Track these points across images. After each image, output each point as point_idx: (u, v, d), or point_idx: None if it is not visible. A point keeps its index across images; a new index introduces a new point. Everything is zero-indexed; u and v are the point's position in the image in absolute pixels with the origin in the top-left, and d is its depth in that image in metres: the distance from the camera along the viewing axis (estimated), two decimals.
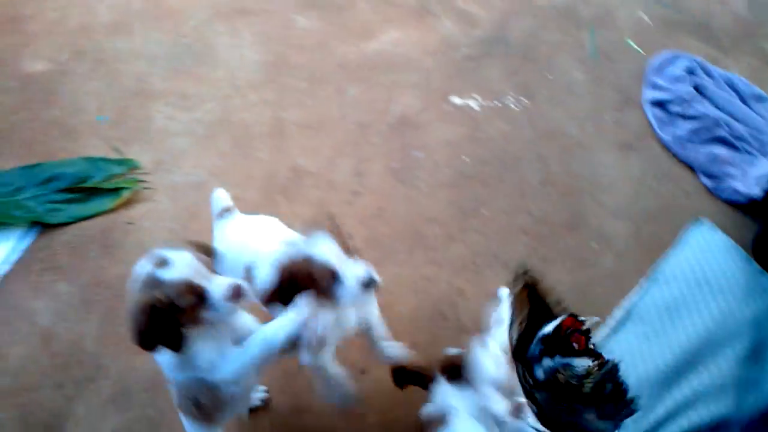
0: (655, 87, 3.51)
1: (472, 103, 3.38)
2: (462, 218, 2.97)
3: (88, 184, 2.95)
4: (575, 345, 1.67)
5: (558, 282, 2.78)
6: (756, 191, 3.04)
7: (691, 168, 3.24)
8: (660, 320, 2.54)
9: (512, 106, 3.39)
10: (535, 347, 1.71)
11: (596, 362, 1.66)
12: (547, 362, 1.68)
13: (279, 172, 3.06)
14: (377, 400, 2.47)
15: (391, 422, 2.43)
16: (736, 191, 3.09)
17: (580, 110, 3.40)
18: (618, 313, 2.63)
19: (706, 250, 2.71)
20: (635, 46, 3.74)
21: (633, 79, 3.58)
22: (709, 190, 3.16)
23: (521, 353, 1.73)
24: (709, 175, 3.20)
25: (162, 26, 3.63)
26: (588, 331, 1.70)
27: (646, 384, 2.34)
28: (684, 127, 3.32)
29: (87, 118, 3.22)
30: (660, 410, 2.28)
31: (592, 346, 1.69)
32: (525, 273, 1.81)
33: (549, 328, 1.71)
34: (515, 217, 2.99)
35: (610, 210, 3.05)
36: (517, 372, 1.74)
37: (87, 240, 2.82)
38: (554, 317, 1.73)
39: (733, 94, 3.56)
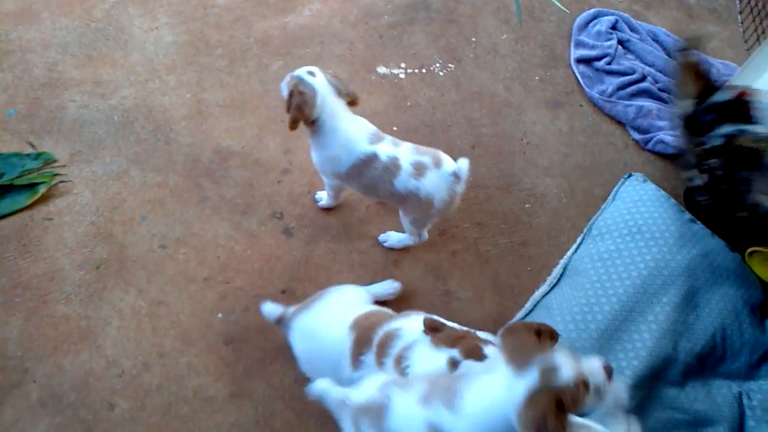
0: (581, 44, 3.51)
1: (398, 72, 3.32)
2: None
3: (2, 182, 2.80)
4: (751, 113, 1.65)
5: (494, 244, 2.78)
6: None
7: (620, 122, 3.26)
8: (596, 272, 2.53)
9: (438, 71, 3.34)
10: (706, 116, 1.69)
11: None
12: (724, 129, 1.67)
13: (203, 154, 2.96)
14: None
15: None
16: (665, 143, 3.11)
17: (507, 71, 3.38)
18: (556, 270, 2.63)
19: (638, 203, 2.71)
20: (559, 5, 3.72)
21: (558, 37, 3.57)
22: (638, 143, 3.19)
23: (692, 124, 1.72)
24: (638, 129, 3.21)
25: (71, 12, 3.44)
26: (750, 102, 1.71)
27: (586, 335, 2.34)
28: (611, 83, 3.33)
29: None
30: (606, 356, 2.29)
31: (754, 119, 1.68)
32: (686, 49, 1.78)
33: (723, 96, 1.69)
34: None
35: (543, 168, 3.04)
36: (687, 144, 1.75)
37: (3, 240, 2.68)
38: (719, 90, 1.73)
39: (658, 47, 3.58)
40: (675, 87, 1.74)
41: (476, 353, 1.70)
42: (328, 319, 2.11)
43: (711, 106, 1.66)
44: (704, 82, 1.74)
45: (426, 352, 1.80)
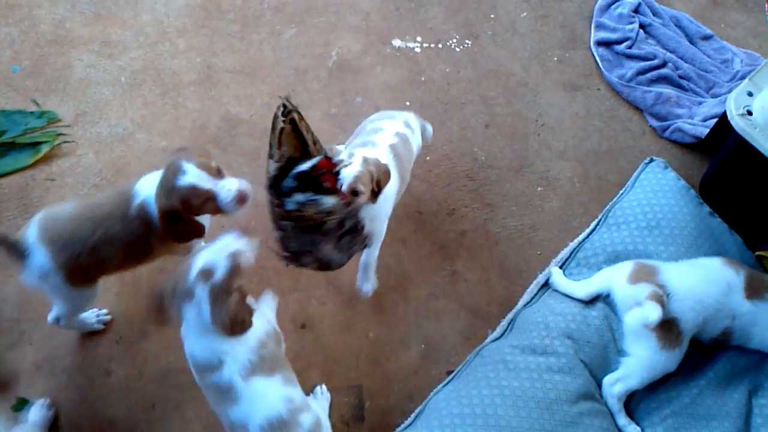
0: (602, 27, 3.42)
1: (414, 46, 3.24)
2: None
3: (4, 139, 2.74)
4: (326, 184, 1.87)
5: (504, 227, 2.73)
6: (702, 131, 2.99)
7: (638, 108, 3.18)
8: (607, 265, 2.47)
9: (454, 47, 3.25)
10: (289, 181, 1.86)
11: (342, 201, 1.86)
12: (298, 197, 1.85)
13: (210, 121, 2.89)
14: (318, 354, 2.39)
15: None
16: (683, 131, 3.04)
17: (525, 50, 3.29)
18: (563, 254, 2.58)
19: (658, 193, 2.62)
20: None
21: (579, 18, 3.47)
22: (656, 131, 3.11)
23: (277, 185, 1.88)
24: (656, 116, 3.14)
25: None
26: (338, 173, 1.91)
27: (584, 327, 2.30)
28: (630, 67, 3.25)
29: (0, 68, 2.98)
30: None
31: (339, 187, 1.89)
32: (289, 108, 1.85)
33: (305, 166, 1.85)
34: (459, 161, 2.89)
35: (557, 152, 2.98)
36: (270, 201, 1.92)
37: (3, 199, 2.63)
38: (309, 156, 1.89)
39: (680, 33, 3.49)
40: (270, 146, 1.89)
41: None
42: None
43: (295, 175, 1.86)
44: (299, 148, 1.90)
45: None
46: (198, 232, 2.07)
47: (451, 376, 2.25)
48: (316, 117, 2.94)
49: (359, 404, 2.32)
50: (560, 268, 2.51)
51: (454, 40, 3.28)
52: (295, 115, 1.83)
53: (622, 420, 2.16)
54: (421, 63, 3.18)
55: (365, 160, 2.04)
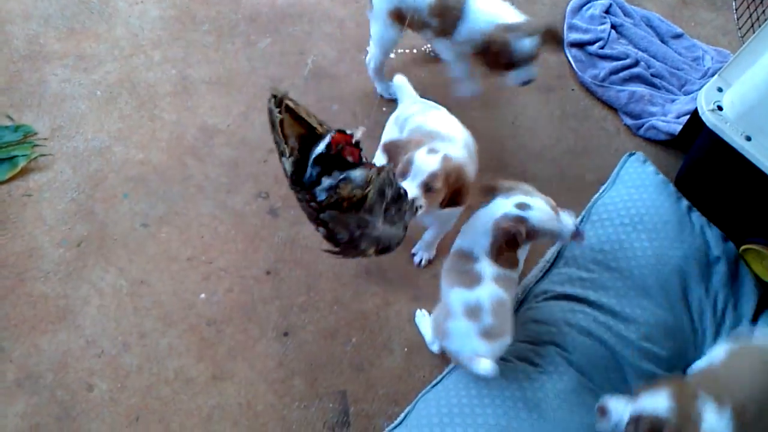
0: (574, 28, 3.46)
1: None
2: None
3: None
4: (349, 158, 1.65)
5: None
6: (676, 128, 3.04)
7: (612, 107, 3.22)
8: (595, 263, 2.49)
9: (429, 52, 3.28)
10: (311, 171, 1.65)
11: (373, 170, 1.66)
12: (326, 181, 1.64)
13: (187, 132, 2.88)
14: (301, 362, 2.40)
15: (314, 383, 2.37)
16: (657, 129, 3.08)
17: None
18: (549, 254, 2.60)
19: (640, 188, 2.65)
20: None
21: (551, 20, 3.51)
22: (630, 129, 3.15)
23: (299, 180, 1.66)
24: (630, 114, 3.18)
25: None
26: (358, 142, 1.66)
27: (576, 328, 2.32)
28: (603, 68, 3.29)
29: None
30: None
31: (364, 158, 1.69)
32: (280, 97, 1.65)
33: (320, 147, 1.64)
34: None
35: (533, 153, 3.00)
36: (301, 200, 1.72)
37: None
38: (321, 137, 1.66)
39: (652, 32, 3.55)
40: (276, 144, 1.69)
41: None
42: None
43: (314, 160, 1.64)
44: (302, 131, 1.67)
45: None
46: None
47: (440, 377, 2.27)
48: None
49: (344, 410, 2.32)
50: (549, 269, 2.54)
51: (429, 45, 3.30)
52: (290, 102, 1.65)
53: None
54: (397, 68, 3.19)
55: (446, 158, 2.01)
